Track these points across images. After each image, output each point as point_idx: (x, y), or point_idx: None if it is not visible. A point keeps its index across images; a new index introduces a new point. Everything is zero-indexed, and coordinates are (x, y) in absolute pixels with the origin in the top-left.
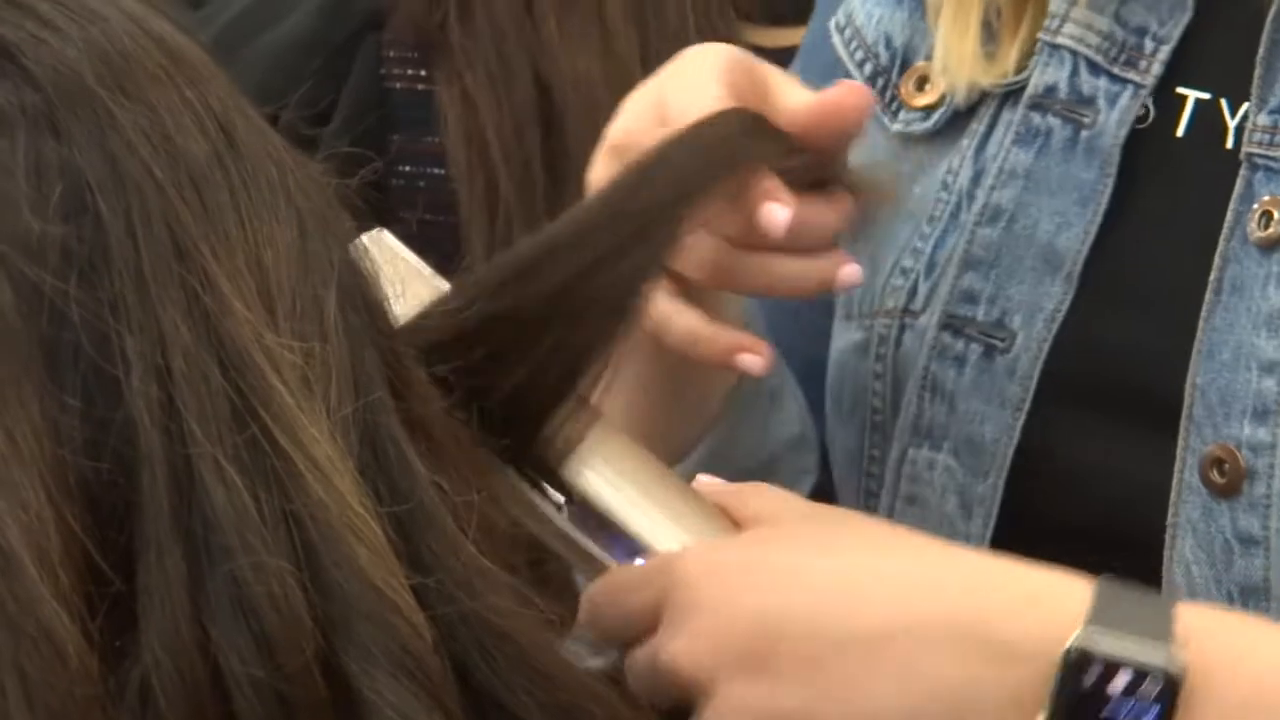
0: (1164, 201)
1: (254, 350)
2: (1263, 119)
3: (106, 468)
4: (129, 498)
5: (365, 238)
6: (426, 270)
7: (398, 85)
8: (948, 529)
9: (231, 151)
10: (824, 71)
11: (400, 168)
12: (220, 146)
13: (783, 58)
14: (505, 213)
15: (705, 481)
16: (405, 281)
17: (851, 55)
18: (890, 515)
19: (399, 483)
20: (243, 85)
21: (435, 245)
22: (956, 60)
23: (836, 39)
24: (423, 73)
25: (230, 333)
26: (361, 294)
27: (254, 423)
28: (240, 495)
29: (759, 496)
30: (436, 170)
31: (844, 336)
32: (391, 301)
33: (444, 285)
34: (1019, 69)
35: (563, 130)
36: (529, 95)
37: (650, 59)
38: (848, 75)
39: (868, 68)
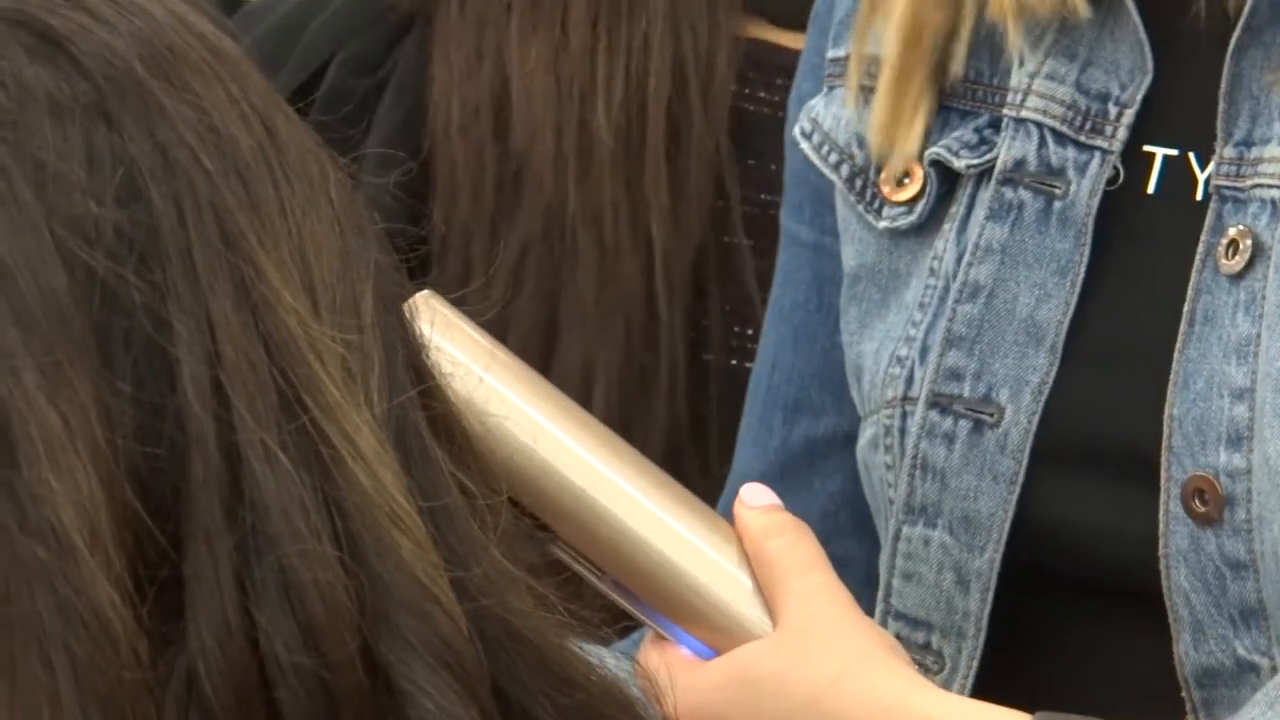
0: (1139, 260)
1: (300, 340)
2: (1229, 151)
3: (157, 453)
4: (178, 483)
5: (416, 298)
6: (476, 331)
7: None
8: (945, 605)
9: (274, 146)
10: (799, 174)
11: None
12: (263, 141)
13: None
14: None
15: (750, 494)
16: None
17: (825, 159)
18: (888, 593)
19: (425, 480)
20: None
21: None
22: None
23: (805, 145)
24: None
25: (278, 322)
26: (393, 295)
27: (302, 411)
28: (289, 483)
29: (780, 543)
30: None
31: (862, 435)
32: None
33: (492, 344)
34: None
35: (509, 125)
36: (493, 82)
37: (614, 50)
38: (820, 178)
39: (844, 169)
